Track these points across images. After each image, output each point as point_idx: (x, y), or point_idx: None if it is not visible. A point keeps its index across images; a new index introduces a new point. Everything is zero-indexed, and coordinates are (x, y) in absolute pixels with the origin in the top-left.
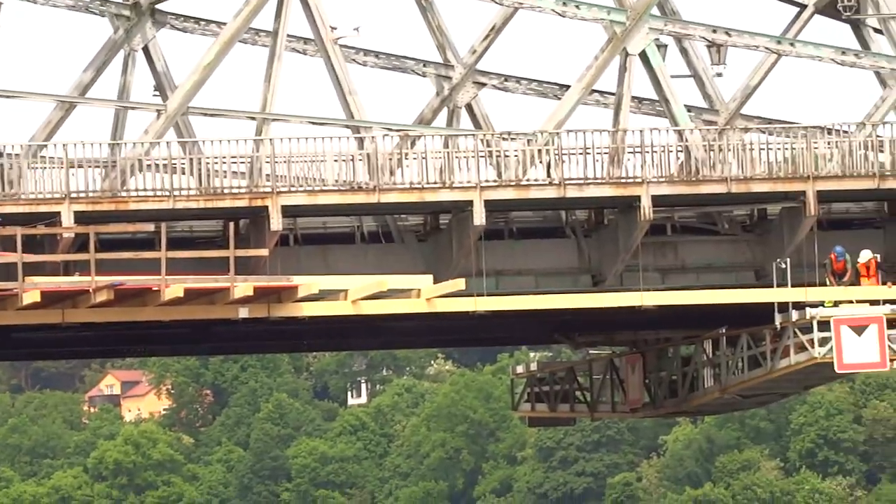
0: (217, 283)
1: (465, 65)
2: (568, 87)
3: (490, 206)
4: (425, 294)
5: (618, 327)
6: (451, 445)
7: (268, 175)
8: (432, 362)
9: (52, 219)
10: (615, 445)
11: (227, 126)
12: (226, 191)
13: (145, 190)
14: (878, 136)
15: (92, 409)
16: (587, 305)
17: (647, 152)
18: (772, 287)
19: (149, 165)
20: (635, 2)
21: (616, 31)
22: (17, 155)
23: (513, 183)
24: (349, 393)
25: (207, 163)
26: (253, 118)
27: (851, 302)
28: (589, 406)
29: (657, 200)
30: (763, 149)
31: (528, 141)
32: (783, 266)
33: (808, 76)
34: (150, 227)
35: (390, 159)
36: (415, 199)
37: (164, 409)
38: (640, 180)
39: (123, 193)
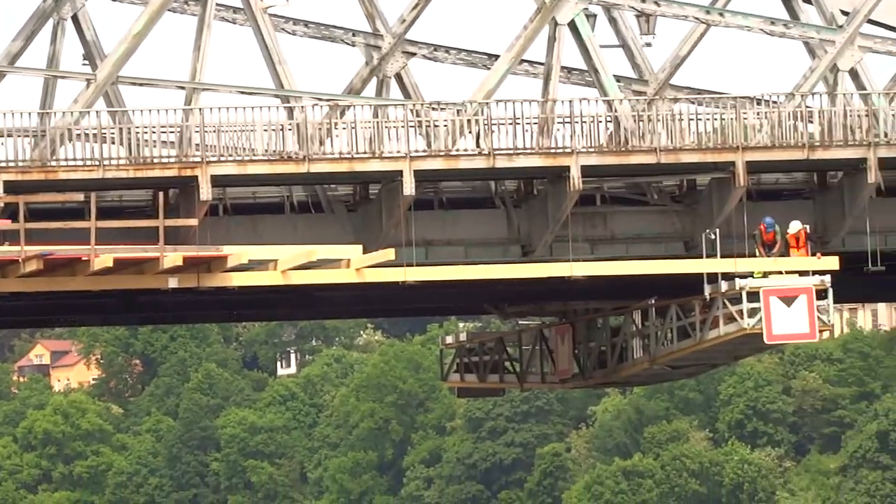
0: (147, 253)
1: (395, 34)
2: (497, 56)
3: (419, 176)
4: (355, 264)
5: (547, 298)
6: (381, 416)
7: (197, 145)
8: (362, 332)
9: None
10: (544, 416)
11: (156, 95)
12: (155, 160)
13: (75, 159)
14: (807, 106)
15: (21, 379)
16: (517, 276)
17: (577, 122)
18: (701, 258)
19: (78, 135)
20: None
21: (545, 1)
22: None
23: (442, 153)
24: (278, 363)
25: (137, 132)
26: (182, 88)
27: (781, 273)
28: (518, 377)
29: (586, 171)
30: (692, 119)
31: (458, 111)
32: (712, 237)
33: (738, 46)
34: (80, 196)
35: (320, 129)
36: (344, 169)
37: (94, 379)
38: (569, 150)
39: (53, 163)
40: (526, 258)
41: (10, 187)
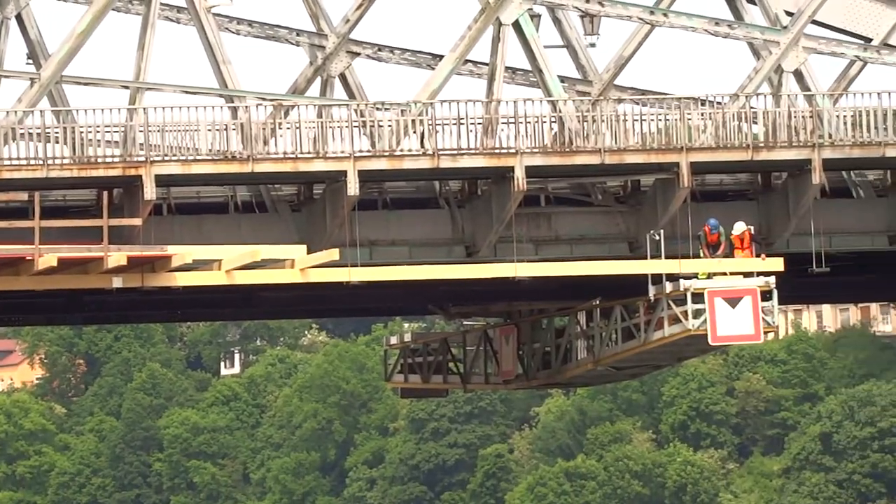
0: (91, 253)
1: (339, 34)
2: (441, 57)
3: (364, 176)
4: (299, 264)
5: (492, 298)
6: (324, 416)
7: (141, 144)
8: (306, 333)
9: None
10: (487, 417)
11: (100, 95)
12: (99, 160)
13: (19, 159)
14: (751, 107)
15: None
16: (461, 276)
17: (521, 123)
18: (645, 259)
19: (22, 134)
20: None
21: (489, 1)
22: None
23: (386, 153)
24: (222, 363)
25: (81, 132)
26: (126, 87)
27: (725, 274)
28: (462, 377)
29: (531, 171)
30: (637, 120)
31: (402, 111)
32: (657, 238)
33: (682, 47)
34: (24, 195)
35: (264, 129)
36: (288, 168)
37: (38, 379)
38: (513, 151)
39: None
40: (470, 259)
41: None
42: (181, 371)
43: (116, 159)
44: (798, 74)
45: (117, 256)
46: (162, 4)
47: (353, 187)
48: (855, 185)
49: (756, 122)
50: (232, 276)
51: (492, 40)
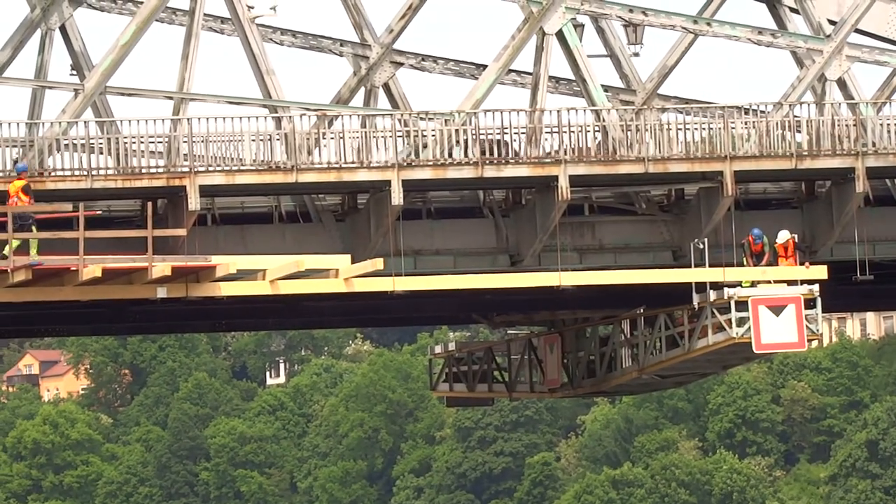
0: (135, 263)
1: (383, 44)
2: (485, 66)
3: (408, 185)
4: (343, 274)
5: (536, 307)
6: (370, 425)
7: (185, 155)
8: (350, 342)
9: None
10: (533, 425)
11: (144, 105)
12: (143, 170)
13: (63, 169)
14: (795, 116)
15: (10, 389)
16: (505, 285)
17: (565, 132)
18: (689, 267)
19: (66, 145)
20: None
21: (533, 11)
22: None
23: (430, 163)
24: (267, 373)
25: (125, 142)
26: (170, 98)
27: (769, 282)
28: (507, 386)
29: (574, 180)
30: (680, 129)
31: (446, 121)
32: (700, 246)
33: (725, 56)
34: (69, 206)
35: (308, 139)
36: (332, 178)
37: (83, 389)
38: (557, 160)
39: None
40: (514, 267)
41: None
42: (226, 381)
43: (160, 170)
44: (841, 83)
45: (162, 267)
46: (206, 15)
47: (396, 197)
48: None
49: (799, 131)
50: (276, 287)
51: (535, 50)
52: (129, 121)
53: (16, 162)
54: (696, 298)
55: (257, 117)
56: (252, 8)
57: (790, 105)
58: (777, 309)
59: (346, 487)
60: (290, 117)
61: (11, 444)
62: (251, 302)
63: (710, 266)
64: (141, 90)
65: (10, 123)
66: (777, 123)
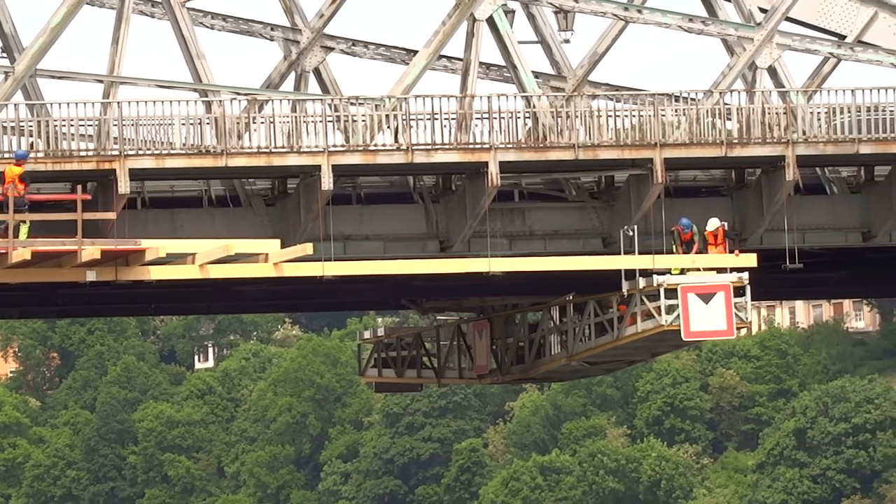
0: (65, 247)
1: (313, 29)
2: (416, 52)
3: (338, 170)
4: (273, 259)
5: (465, 293)
6: (298, 410)
7: (115, 138)
8: (279, 327)
9: None
10: (462, 411)
11: (75, 88)
12: (73, 154)
13: None
14: (725, 103)
15: None
16: (435, 271)
17: (495, 118)
18: (619, 254)
19: None
20: None
21: None
22: None
23: (360, 148)
24: (196, 357)
25: (55, 125)
26: (101, 81)
27: (698, 270)
28: (436, 372)
29: (505, 167)
30: (610, 116)
31: (376, 106)
32: (630, 233)
33: (656, 43)
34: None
35: (238, 123)
36: (262, 163)
37: (11, 372)
38: (487, 146)
39: None
40: (444, 253)
41: None
42: (155, 365)
43: (90, 153)
44: (772, 71)
45: (91, 250)
46: None
47: (326, 182)
48: (828, 182)
49: (730, 119)
50: (205, 271)
51: (466, 36)
52: (60, 104)
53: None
54: (625, 286)
55: (187, 101)
56: None
57: (720, 93)
58: (706, 297)
59: (274, 472)
60: (220, 101)
61: None
62: (180, 286)
63: (640, 253)
64: (71, 73)
65: None
66: (707, 111)
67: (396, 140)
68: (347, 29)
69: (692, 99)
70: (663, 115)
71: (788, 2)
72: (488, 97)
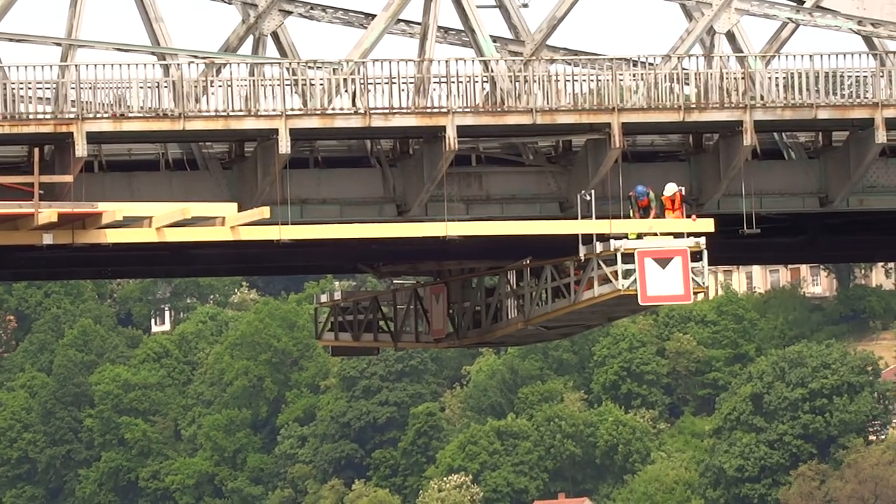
0: (21, 209)
1: None
2: (374, 16)
3: (295, 134)
4: (229, 222)
5: (422, 257)
6: (255, 374)
7: (73, 101)
8: (236, 290)
9: None
10: (418, 375)
11: (32, 51)
12: (30, 116)
13: None
14: (683, 68)
15: None
16: (391, 235)
17: (453, 82)
18: (576, 219)
19: None
20: None
21: None
22: None
23: (318, 112)
24: (153, 320)
25: (12, 88)
26: (58, 44)
27: (655, 234)
28: (392, 336)
29: (462, 131)
30: (568, 80)
31: (334, 70)
32: (587, 198)
33: (615, 8)
34: None
35: (196, 87)
36: (220, 126)
37: None
38: (445, 110)
39: None
40: (401, 217)
41: None
42: (112, 328)
43: (48, 116)
44: (730, 36)
45: (48, 213)
46: None
47: (284, 145)
48: (786, 147)
49: (688, 84)
50: (162, 234)
51: (424, 0)
52: (17, 66)
53: None
54: (582, 250)
55: (145, 64)
56: None
57: (678, 57)
58: (663, 261)
59: (231, 435)
60: (178, 65)
61: None
62: (137, 249)
63: (597, 218)
64: (29, 36)
65: None
66: (665, 76)
67: (354, 104)
68: None
69: (650, 64)
70: (621, 80)
71: None
72: (446, 61)
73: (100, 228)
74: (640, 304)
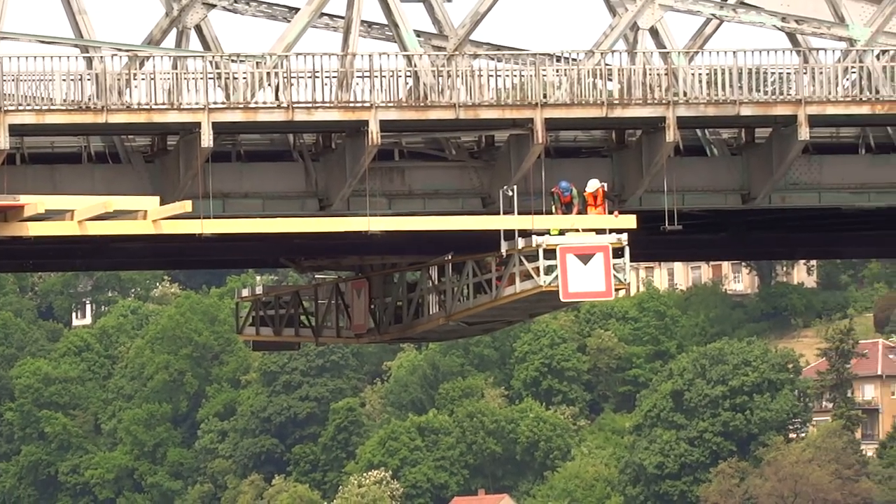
0: None
1: None
2: (297, 10)
3: (218, 128)
4: (151, 215)
5: (344, 252)
6: (175, 368)
7: None
8: (158, 284)
9: None
10: (339, 370)
11: None
12: None
13: None
14: (606, 64)
15: None
16: (313, 230)
17: (376, 77)
18: (498, 214)
19: None
20: None
21: None
22: None
23: (241, 105)
24: (74, 313)
25: None
26: None
27: (577, 231)
28: (314, 331)
29: (385, 125)
30: (492, 76)
31: (257, 63)
32: (510, 193)
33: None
34: None
35: (119, 80)
36: (143, 119)
37: None
38: (368, 105)
39: None
40: (323, 212)
41: None
42: (32, 321)
43: None
44: (654, 32)
45: None
46: None
47: (206, 139)
48: (709, 144)
49: (611, 80)
50: (84, 227)
51: None
52: None
53: None
54: (504, 246)
55: (68, 57)
56: None
57: (602, 53)
58: (585, 257)
59: (151, 430)
60: (101, 57)
61: None
62: (59, 242)
63: (519, 214)
64: None
65: None
66: (588, 72)
67: (277, 98)
68: None
69: (573, 59)
70: (544, 76)
71: None
72: (370, 56)
73: (21, 221)
74: (562, 300)
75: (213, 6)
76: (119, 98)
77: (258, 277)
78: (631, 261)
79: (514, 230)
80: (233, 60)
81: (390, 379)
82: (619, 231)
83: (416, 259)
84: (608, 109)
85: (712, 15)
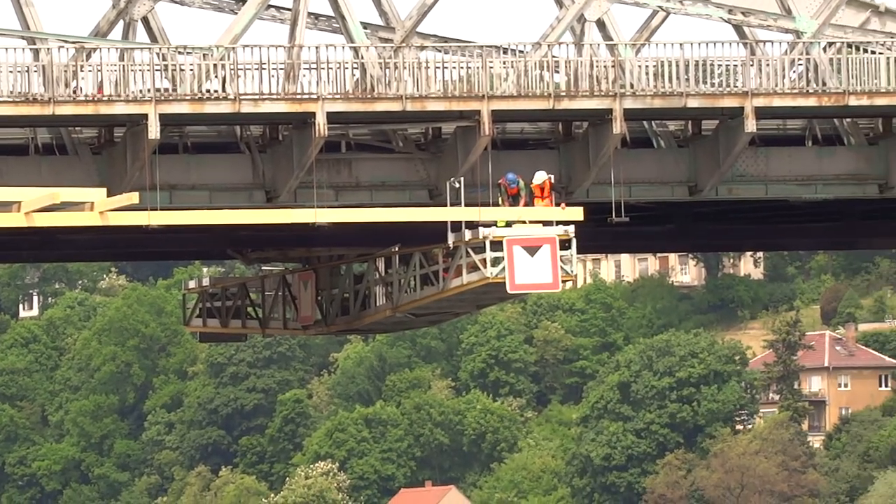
0: None
1: None
2: (244, 1)
3: (165, 119)
4: (98, 207)
5: (291, 244)
6: (122, 359)
7: None
8: (105, 276)
9: None
10: (286, 362)
11: None
12: None
13: None
14: (553, 56)
15: None
16: (260, 221)
17: (323, 69)
18: (445, 206)
19: None
20: None
21: None
22: None
23: (188, 97)
24: (20, 305)
25: None
26: None
27: (524, 222)
28: (260, 322)
29: (332, 117)
30: (438, 67)
31: (204, 55)
32: (457, 185)
33: None
34: None
35: (65, 71)
36: (90, 111)
37: None
38: (315, 97)
39: None
40: (270, 204)
41: None
42: None
43: None
44: (601, 24)
45: None
46: None
47: (153, 130)
48: (656, 136)
49: (558, 72)
50: (31, 219)
51: None
52: None
53: None
54: (451, 237)
55: (15, 48)
56: None
57: (549, 45)
58: (532, 249)
59: (98, 421)
60: (47, 49)
61: None
62: (5, 234)
63: (466, 205)
64: None
65: None
66: (535, 63)
67: (224, 89)
68: None
69: (520, 51)
70: (491, 68)
71: None
72: (316, 47)
73: None
74: (509, 291)
75: None
76: (66, 90)
77: (205, 269)
78: (578, 252)
79: (461, 222)
80: (180, 52)
81: (337, 370)
82: (566, 223)
83: (364, 251)
84: (555, 101)
85: (659, 7)
